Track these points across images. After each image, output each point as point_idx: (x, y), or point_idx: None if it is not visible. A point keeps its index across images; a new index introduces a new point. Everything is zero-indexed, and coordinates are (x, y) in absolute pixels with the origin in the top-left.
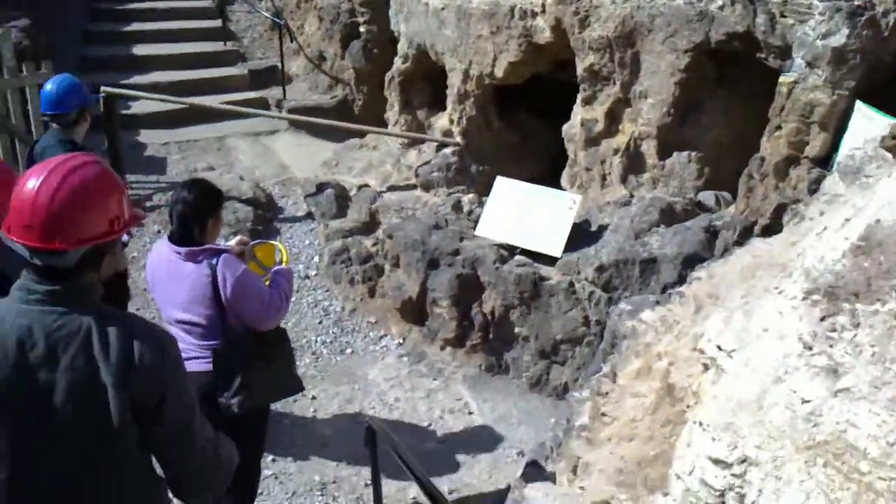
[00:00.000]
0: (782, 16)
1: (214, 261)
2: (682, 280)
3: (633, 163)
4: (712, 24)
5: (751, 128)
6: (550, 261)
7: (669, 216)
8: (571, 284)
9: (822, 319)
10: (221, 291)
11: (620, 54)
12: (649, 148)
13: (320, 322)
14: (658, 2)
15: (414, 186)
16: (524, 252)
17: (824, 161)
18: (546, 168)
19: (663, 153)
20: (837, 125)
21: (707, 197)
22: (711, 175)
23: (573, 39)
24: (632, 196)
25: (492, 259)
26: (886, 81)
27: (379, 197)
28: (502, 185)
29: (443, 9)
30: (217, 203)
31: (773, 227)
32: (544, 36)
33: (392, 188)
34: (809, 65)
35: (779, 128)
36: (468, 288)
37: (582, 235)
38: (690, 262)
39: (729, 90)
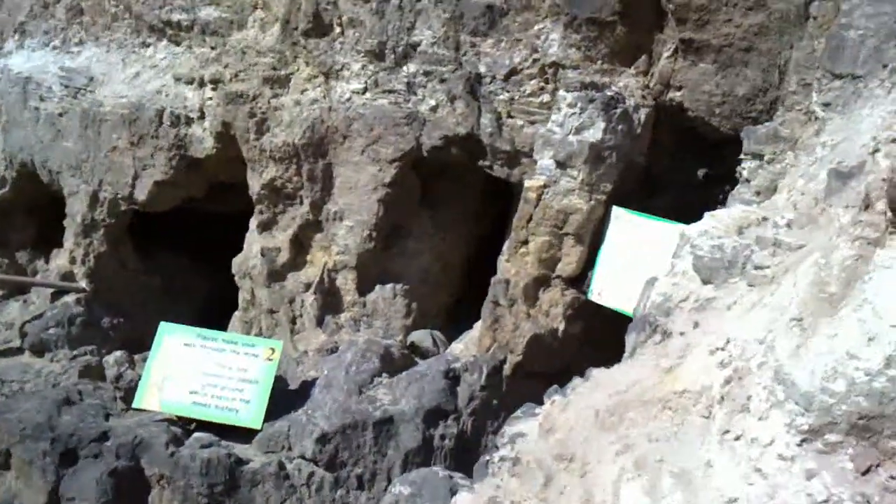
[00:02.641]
0: (510, 116)
1: None
2: (427, 443)
3: (329, 300)
4: (423, 127)
5: (456, 254)
6: (246, 435)
7: (390, 363)
8: (282, 466)
9: (867, 472)
10: None
11: (310, 166)
12: (347, 281)
13: None
14: (356, 102)
15: (20, 350)
16: (206, 426)
17: (578, 280)
18: (198, 317)
19: (365, 287)
20: (594, 237)
21: (422, 337)
22: (421, 311)
23: (247, 148)
24: (336, 343)
25: (162, 441)
26: (632, 190)
27: None
28: (170, 334)
29: (61, 114)
30: None
31: (525, 365)
32: (204, 147)
33: None
34: (561, 165)
35: (524, 243)
36: (128, 489)
37: (282, 397)
38: (433, 417)
39: (433, 210)
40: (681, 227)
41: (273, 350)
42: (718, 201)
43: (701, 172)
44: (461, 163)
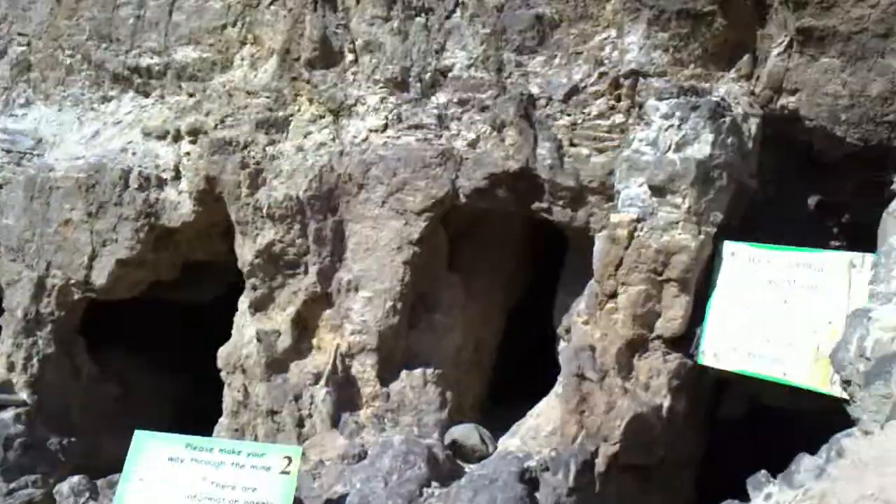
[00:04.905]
0: (572, 144)
1: None
2: None
3: (345, 393)
4: (461, 167)
5: (490, 328)
6: None
7: (436, 469)
8: None
9: None
10: None
11: (317, 224)
12: (366, 368)
13: None
14: (374, 143)
15: None
16: None
17: (683, 342)
18: (170, 431)
19: (388, 374)
20: (702, 282)
21: (466, 434)
22: (457, 401)
23: (238, 208)
24: (362, 446)
25: None
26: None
27: None
28: (149, 447)
29: (1, 186)
30: None
31: (622, 456)
32: (180, 213)
33: None
34: (658, 191)
35: (611, 296)
36: None
37: None
38: None
39: (462, 274)
40: (838, 254)
41: (289, 459)
42: (834, 236)
43: (812, 201)
44: (504, 209)
